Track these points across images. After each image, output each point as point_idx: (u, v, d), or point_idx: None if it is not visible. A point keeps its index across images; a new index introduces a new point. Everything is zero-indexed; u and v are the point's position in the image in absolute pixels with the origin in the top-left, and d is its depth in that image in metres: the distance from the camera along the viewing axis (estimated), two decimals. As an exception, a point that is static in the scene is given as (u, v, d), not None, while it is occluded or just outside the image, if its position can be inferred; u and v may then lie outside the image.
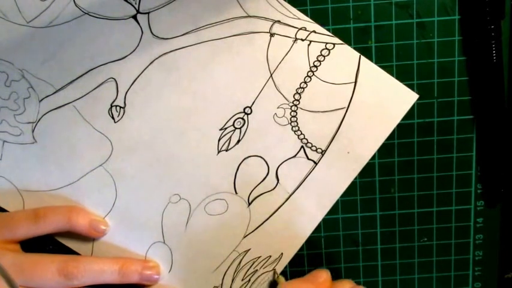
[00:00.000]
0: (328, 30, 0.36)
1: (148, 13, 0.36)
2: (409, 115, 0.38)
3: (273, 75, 0.37)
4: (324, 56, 0.37)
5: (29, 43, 0.36)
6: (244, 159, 0.38)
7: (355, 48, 0.37)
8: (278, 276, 0.39)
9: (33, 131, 0.37)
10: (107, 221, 0.38)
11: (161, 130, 0.37)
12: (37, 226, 0.35)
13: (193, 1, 0.36)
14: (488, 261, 0.41)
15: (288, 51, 0.37)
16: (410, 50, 0.37)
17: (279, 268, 0.40)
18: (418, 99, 0.37)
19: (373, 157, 0.39)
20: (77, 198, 0.38)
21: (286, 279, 0.40)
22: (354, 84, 0.37)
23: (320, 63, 0.37)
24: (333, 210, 0.39)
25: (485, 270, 0.41)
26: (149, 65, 0.36)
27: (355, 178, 0.39)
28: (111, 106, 0.37)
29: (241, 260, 0.40)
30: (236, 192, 0.39)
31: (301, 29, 0.36)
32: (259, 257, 0.40)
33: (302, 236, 0.40)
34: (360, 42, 0.37)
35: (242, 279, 0.40)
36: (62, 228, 0.36)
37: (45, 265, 0.35)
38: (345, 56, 0.37)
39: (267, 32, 0.36)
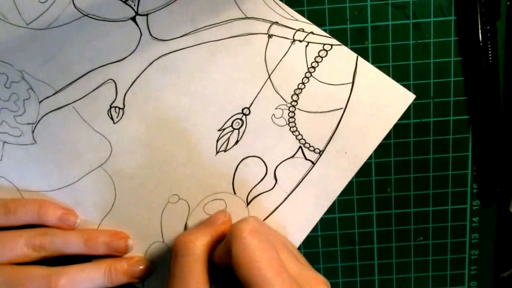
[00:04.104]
0: (325, 31, 0.35)
1: (147, 15, 0.34)
2: (405, 115, 0.36)
3: (271, 76, 0.35)
4: (322, 57, 0.35)
5: (29, 45, 0.34)
6: (243, 159, 0.37)
7: (352, 49, 0.35)
8: (187, 227, 0.37)
9: (33, 132, 0.35)
10: (78, 215, 0.36)
11: (160, 131, 0.36)
12: (7, 219, 0.35)
13: (192, 3, 0.34)
14: (484, 260, 0.39)
15: (286, 53, 0.35)
16: (406, 51, 0.35)
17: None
18: (414, 100, 0.36)
19: (370, 157, 0.37)
20: (77, 198, 0.36)
21: None
22: (351, 84, 0.35)
23: (318, 64, 0.35)
24: (330, 209, 0.38)
25: (481, 269, 0.40)
26: (148, 66, 0.35)
27: (352, 178, 0.37)
28: (110, 107, 0.35)
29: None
30: (235, 192, 0.37)
31: (298, 30, 0.35)
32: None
33: (300, 235, 0.38)
34: (356, 42, 0.35)
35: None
36: (32, 222, 0.35)
37: (14, 240, 0.34)
38: (342, 56, 0.35)
39: (265, 34, 0.35)
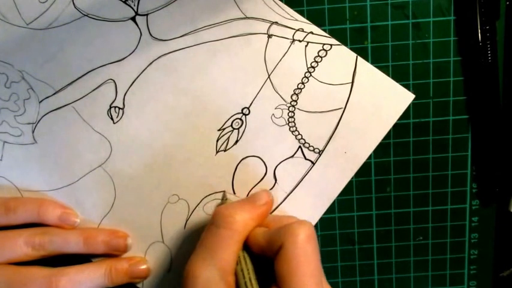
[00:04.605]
0: (325, 30, 0.35)
1: (146, 15, 0.34)
2: (404, 115, 0.36)
3: (270, 76, 0.35)
4: (321, 57, 0.35)
5: (29, 45, 0.34)
6: (243, 159, 0.36)
7: (351, 49, 0.35)
8: (226, 199, 0.37)
9: (33, 131, 0.35)
10: (78, 214, 0.36)
11: (160, 131, 0.36)
12: (7, 218, 0.34)
13: (192, 3, 0.34)
14: (483, 259, 0.39)
15: (286, 53, 0.35)
16: (406, 51, 0.35)
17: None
18: (414, 99, 0.36)
19: (369, 157, 0.37)
20: (76, 198, 0.36)
21: None
22: (350, 84, 0.35)
23: (317, 64, 0.35)
24: (330, 209, 0.37)
25: (481, 268, 0.39)
26: (148, 66, 0.35)
27: (352, 177, 0.37)
28: (110, 107, 0.35)
29: (240, 259, 0.37)
30: (234, 192, 0.37)
31: (298, 30, 0.34)
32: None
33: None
34: (356, 42, 0.35)
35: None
36: (32, 221, 0.35)
37: (13, 239, 0.34)
38: (342, 56, 0.35)
39: (265, 34, 0.35)
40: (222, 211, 0.31)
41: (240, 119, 0.36)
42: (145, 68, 0.35)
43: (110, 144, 0.36)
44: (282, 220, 0.32)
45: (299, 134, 0.36)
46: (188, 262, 0.30)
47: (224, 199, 0.36)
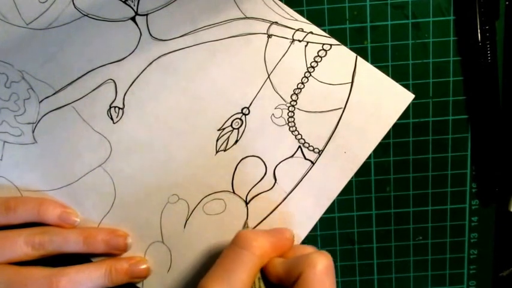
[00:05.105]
0: (324, 30, 0.34)
1: (146, 15, 0.34)
2: (404, 115, 0.36)
3: (270, 76, 0.35)
4: (321, 57, 0.35)
5: (29, 45, 0.34)
6: (242, 159, 0.36)
7: (351, 49, 0.35)
8: (247, 227, 0.37)
9: (33, 131, 0.35)
10: (78, 214, 0.36)
11: (160, 131, 0.36)
12: (7, 217, 0.34)
13: (191, 3, 0.34)
14: (483, 259, 0.39)
15: (285, 52, 0.35)
16: (405, 51, 0.35)
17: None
18: (414, 99, 0.35)
19: (369, 156, 0.37)
20: (76, 198, 0.36)
21: None
22: (350, 84, 0.35)
23: (317, 64, 0.35)
24: (329, 209, 0.37)
25: (480, 268, 0.39)
26: (148, 66, 0.35)
27: (351, 177, 0.37)
28: (110, 107, 0.35)
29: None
30: (234, 192, 0.37)
31: (298, 30, 0.34)
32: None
33: (299, 235, 0.37)
34: (355, 42, 0.35)
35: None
36: (32, 220, 0.35)
37: (13, 239, 0.34)
38: (342, 56, 0.35)
39: (265, 33, 0.35)
40: (246, 234, 0.31)
41: (240, 118, 0.36)
42: (145, 68, 0.35)
43: (110, 144, 0.35)
44: (300, 250, 0.33)
45: (299, 133, 0.36)
46: (204, 279, 0.30)
47: (246, 226, 0.36)
